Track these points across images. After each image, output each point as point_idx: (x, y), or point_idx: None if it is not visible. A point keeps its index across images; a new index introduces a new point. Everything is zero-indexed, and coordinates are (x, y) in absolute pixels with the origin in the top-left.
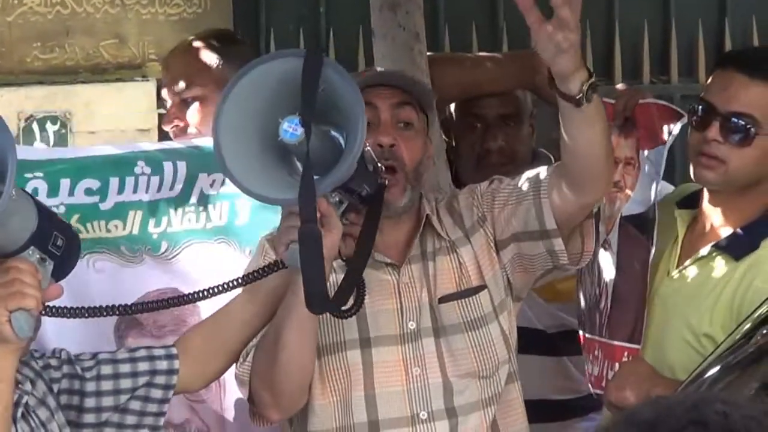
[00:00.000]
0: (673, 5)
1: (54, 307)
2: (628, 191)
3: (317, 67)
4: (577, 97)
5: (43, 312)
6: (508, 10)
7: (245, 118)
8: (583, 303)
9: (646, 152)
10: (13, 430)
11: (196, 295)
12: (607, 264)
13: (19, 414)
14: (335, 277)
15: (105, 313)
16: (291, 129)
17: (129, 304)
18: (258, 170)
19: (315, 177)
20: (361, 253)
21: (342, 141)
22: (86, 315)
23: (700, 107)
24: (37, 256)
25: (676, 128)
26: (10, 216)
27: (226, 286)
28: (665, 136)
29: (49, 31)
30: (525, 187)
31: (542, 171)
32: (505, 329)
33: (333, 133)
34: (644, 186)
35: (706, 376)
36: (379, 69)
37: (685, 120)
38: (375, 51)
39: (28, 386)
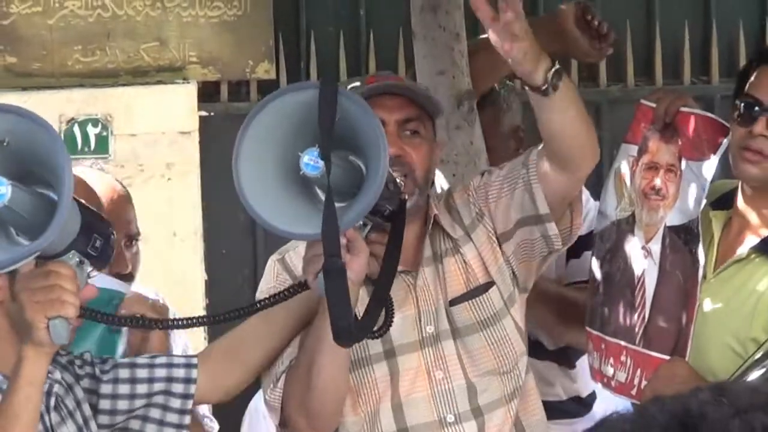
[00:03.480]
0: (714, 6)
1: (90, 309)
2: (670, 200)
3: (333, 99)
4: (543, 88)
5: (80, 315)
6: (548, 9)
7: (264, 153)
8: (597, 301)
9: (687, 162)
10: (47, 418)
11: (214, 318)
12: (648, 273)
13: (51, 403)
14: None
15: (134, 324)
16: (312, 162)
17: (160, 318)
18: (281, 205)
19: (340, 205)
20: (386, 275)
21: (362, 165)
22: (117, 323)
23: (744, 103)
24: (77, 259)
25: (724, 143)
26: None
27: (246, 310)
28: (709, 149)
29: (90, 34)
30: (514, 174)
31: (529, 155)
32: (518, 321)
33: (352, 158)
34: (686, 197)
35: (747, 379)
36: (383, 79)
37: (730, 136)
38: (415, 52)
39: (57, 375)
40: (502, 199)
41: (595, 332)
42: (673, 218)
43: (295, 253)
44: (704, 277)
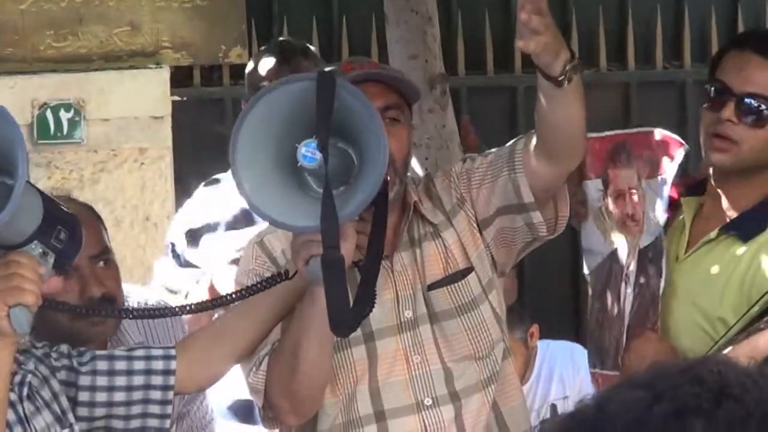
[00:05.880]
0: None
1: (54, 301)
2: (641, 222)
3: (330, 90)
4: (559, 79)
5: (43, 305)
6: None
7: (260, 145)
8: (594, 337)
9: (645, 181)
10: (20, 408)
11: (194, 307)
12: (627, 300)
13: (24, 393)
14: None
15: (105, 314)
16: (310, 153)
17: (131, 308)
18: (277, 197)
19: (335, 192)
20: (373, 259)
21: (352, 153)
22: (84, 312)
23: (714, 87)
24: (40, 250)
25: (677, 158)
26: (18, 211)
27: (225, 298)
28: (665, 166)
29: (62, 19)
30: (499, 163)
31: (515, 145)
32: (495, 307)
33: (340, 145)
34: (649, 216)
35: None
36: (360, 66)
37: (686, 149)
38: (388, 36)
39: (30, 365)
40: (484, 186)
41: (596, 371)
42: (643, 240)
43: (275, 237)
44: (676, 258)
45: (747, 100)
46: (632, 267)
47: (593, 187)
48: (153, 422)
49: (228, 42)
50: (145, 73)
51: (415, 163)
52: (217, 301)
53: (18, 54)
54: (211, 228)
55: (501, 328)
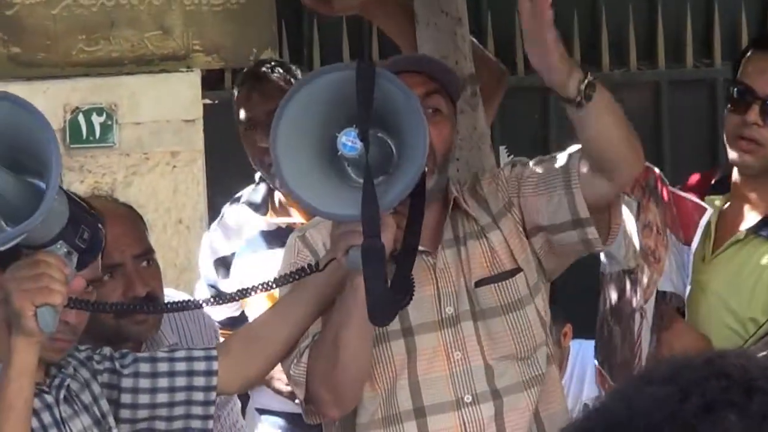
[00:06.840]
0: None
1: (77, 300)
2: (662, 264)
3: (370, 79)
4: (577, 100)
5: (67, 305)
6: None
7: (300, 134)
8: (605, 340)
9: (669, 233)
10: (57, 411)
11: (220, 299)
12: (644, 333)
13: (62, 396)
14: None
15: (132, 310)
16: (350, 142)
17: (157, 302)
18: (317, 186)
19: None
20: (408, 251)
21: (391, 144)
22: (109, 310)
23: (737, 89)
24: (65, 249)
25: (702, 222)
26: (49, 213)
27: (254, 289)
28: (685, 233)
29: (93, 23)
30: (553, 175)
31: (569, 159)
32: (540, 311)
33: (380, 135)
34: (671, 265)
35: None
36: (407, 54)
37: (709, 213)
38: (418, 37)
39: (71, 369)
40: (536, 197)
41: (604, 372)
42: (663, 284)
43: (316, 230)
44: (702, 259)
45: None
46: (650, 304)
47: (628, 204)
48: (196, 423)
49: (259, 44)
50: (177, 77)
51: None
52: (246, 291)
53: (50, 59)
54: (238, 253)
55: (545, 332)
